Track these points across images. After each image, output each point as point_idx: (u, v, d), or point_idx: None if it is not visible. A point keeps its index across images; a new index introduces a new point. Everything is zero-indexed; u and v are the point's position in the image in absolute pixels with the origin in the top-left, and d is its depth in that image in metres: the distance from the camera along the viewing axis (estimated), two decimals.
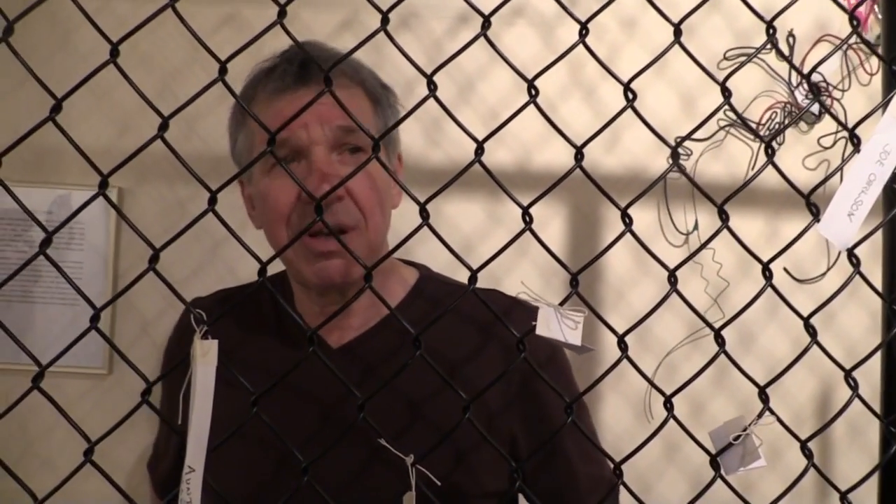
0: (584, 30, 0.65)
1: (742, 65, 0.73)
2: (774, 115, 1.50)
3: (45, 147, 1.46)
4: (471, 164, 0.62)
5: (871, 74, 1.49)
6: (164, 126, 0.61)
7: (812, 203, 0.65)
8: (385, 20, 0.62)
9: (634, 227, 0.63)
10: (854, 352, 1.44)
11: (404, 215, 0.97)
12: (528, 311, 0.63)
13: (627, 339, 0.64)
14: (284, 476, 0.90)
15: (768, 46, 0.67)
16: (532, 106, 0.64)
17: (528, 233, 0.62)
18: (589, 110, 1.50)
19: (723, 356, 0.65)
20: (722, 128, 1.49)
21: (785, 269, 1.46)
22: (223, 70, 0.61)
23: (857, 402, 0.67)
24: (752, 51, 0.76)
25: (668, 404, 0.64)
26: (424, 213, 0.61)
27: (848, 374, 0.66)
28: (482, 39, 0.63)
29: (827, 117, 1.48)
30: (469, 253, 1.46)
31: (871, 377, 0.81)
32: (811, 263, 1.49)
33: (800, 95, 1.50)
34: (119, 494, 0.63)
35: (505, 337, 0.86)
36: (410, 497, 0.67)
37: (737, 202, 0.70)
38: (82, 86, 0.62)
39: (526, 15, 1.51)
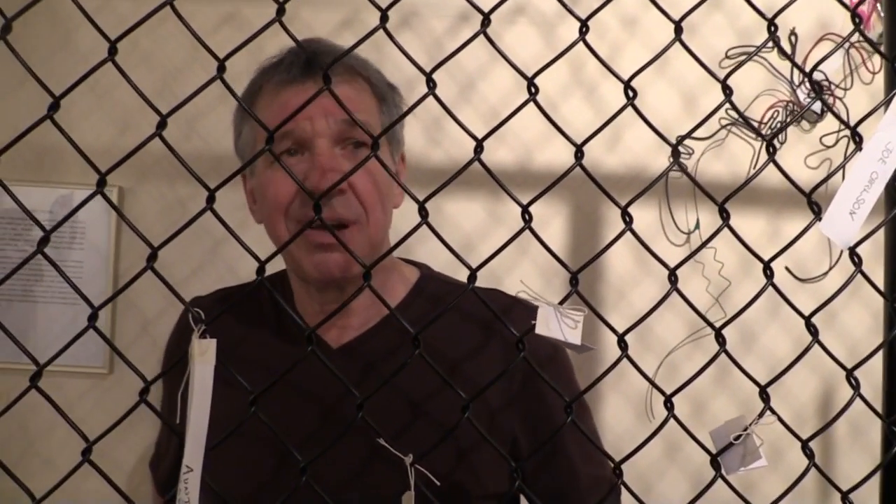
0: (584, 27, 0.64)
1: (743, 62, 0.72)
2: (776, 113, 1.49)
3: (47, 146, 1.47)
4: (470, 163, 0.62)
5: (874, 73, 1.48)
6: (162, 124, 0.60)
7: (813, 202, 0.65)
8: (384, 18, 0.62)
9: (636, 227, 0.63)
10: (856, 351, 1.44)
11: (405, 215, 0.97)
12: (528, 310, 0.63)
13: (629, 338, 0.63)
14: (285, 475, 0.90)
15: (770, 45, 0.67)
16: (534, 106, 0.64)
17: (530, 232, 0.62)
18: (590, 109, 1.50)
19: (724, 355, 0.64)
20: (724, 126, 1.49)
21: (787, 269, 1.46)
22: (221, 68, 0.61)
23: (858, 401, 0.66)
24: (755, 49, 0.76)
25: (669, 404, 0.64)
26: (423, 212, 0.61)
27: (849, 374, 0.65)
28: (484, 39, 0.63)
29: (829, 116, 1.48)
30: (470, 252, 1.46)
31: (872, 377, 0.81)
32: (814, 263, 1.48)
33: (802, 94, 1.49)
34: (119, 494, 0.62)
35: (507, 335, 0.86)
36: (410, 497, 0.67)
37: (738, 201, 0.70)
38: (80, 84, 0.61)
39: (527, 14, 1.51)
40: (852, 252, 0.65)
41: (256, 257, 0.61)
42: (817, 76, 1.48)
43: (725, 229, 0.65)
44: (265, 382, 0.64)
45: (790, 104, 1.49)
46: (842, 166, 0.72)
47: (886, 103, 0.66)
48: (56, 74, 1.20)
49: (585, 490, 0.95)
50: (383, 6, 0.63)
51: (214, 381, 0.61)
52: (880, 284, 0.74)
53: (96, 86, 1.45)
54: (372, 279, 0.62)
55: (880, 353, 0.74)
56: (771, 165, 0.66)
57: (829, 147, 1.49)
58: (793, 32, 1.48)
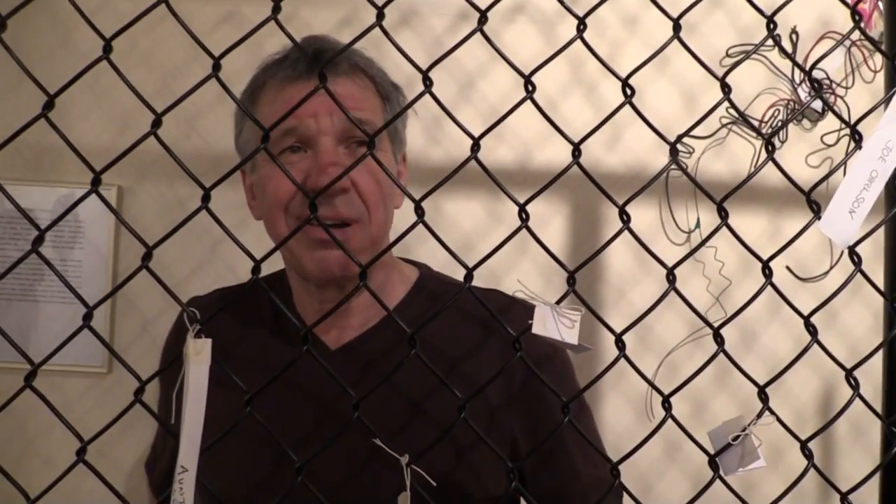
0: (581, 25, 0.64)
1: (741, 60, 0.72)
2: (777, 112, 1.49)
3: (47, 145, 1.46)
4: (466, 161, 0.62)
5: (875, 71, 1.48)
6: (157, 123, 0.60)
7: (813, 200, 0.65)
8: (380, 15, 0.62)
9: (636, 226, 0.63)
10: (856, 351, 1.43)
11: (406, 214, 0.96)
12: (527, 310, 0.63)
13: (628, 338, 0.63)
14: (283, 475, 0.89)
15: (771, 43, 0.66)
16: (533, 104, 0.63)
17: (527, 231, 0.61)
18: (590, 108, 1.49)
19: (724, 355, 0.64)
20: (724, 125, 1.48)
21: (787, 268, 1.45)
22: (217, 66, 0.60)
23: (858, 401, 0.66)
24: (753, 47, 0.75)
25: (667, 404, 0.63)
26: (419, 211, 0.60)
27: (849, 374, 0.65)
28: (484, 38, 0.63)
29: (830, 115, 1.47)
30: (470, 251, 1.45)
31: (873, 377, 0.81)
32: (814, 262, 1.48)
33: (803, 93, 1.49)
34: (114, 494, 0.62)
35: (507, 335, 0.86)
36: (405, 497, 0.67)
37: (739, 200, 0.70)
38: (77, 82, 0.61)
39: (527, 12, 1.51)
40: (852, 251, 0.65)
41: (252, 256, 0.61)
42: (818, 74, 1.47)
43: (725, 228, 0.65)
44: (264, 381, 0.63)
45: (791, 103, 1.49)
46: (842, 164, 0.72)
47: (887, 101, 0.66)
48: (56, 73, 1.20)
49: (586, 490, 0.94)
50: (380, 4, 0.63)
51: (212, 381, 0.61)
52: (880, 284, 0.74)
53: (95, 85, 1.45)
54: (372, 278, 0.62)
55: (880, 353, 0.74)
56: (770, 164, 0.66)
57: (830, 146, 1.49)
58: (794, 31, 1.48)
